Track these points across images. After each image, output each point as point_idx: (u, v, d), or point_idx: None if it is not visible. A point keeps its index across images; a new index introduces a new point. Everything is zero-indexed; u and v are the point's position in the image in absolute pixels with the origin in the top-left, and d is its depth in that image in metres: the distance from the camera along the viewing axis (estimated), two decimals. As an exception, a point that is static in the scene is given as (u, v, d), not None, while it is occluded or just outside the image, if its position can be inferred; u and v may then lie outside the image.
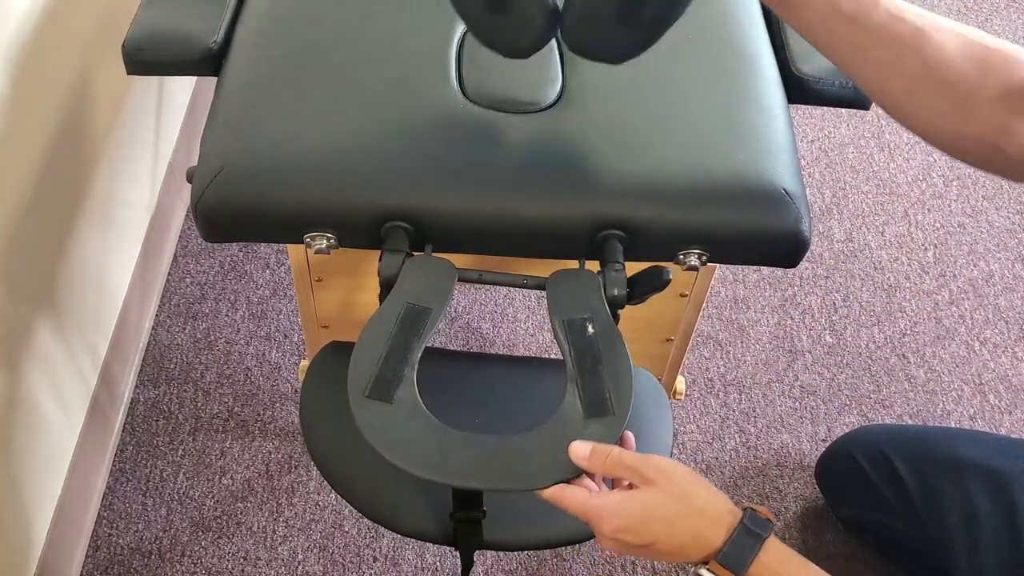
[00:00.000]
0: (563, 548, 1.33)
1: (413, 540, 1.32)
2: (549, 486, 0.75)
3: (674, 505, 0.71)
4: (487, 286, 1.26)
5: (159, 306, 1.55)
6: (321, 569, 1.30)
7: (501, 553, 1.31)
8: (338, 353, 0.98)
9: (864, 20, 0.75)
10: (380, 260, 0.88)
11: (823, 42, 0.78)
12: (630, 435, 0.81)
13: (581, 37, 0.82)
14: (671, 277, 0.88)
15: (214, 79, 1.01)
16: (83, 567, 1.29)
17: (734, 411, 1.49)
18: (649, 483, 0.72)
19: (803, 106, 1.04)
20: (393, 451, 0.76)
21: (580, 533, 0.91)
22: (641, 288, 0.89)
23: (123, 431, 1.41)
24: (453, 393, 0.96)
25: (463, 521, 0.86)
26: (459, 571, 1.31)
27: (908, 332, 1.60)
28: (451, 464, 0.77)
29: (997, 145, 0.73)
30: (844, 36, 0.76)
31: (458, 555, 1.31)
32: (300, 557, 1.31)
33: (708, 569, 0.72)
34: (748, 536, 0.71)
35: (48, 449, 1.20)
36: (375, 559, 1.31)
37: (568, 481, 0.75)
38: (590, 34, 0.81)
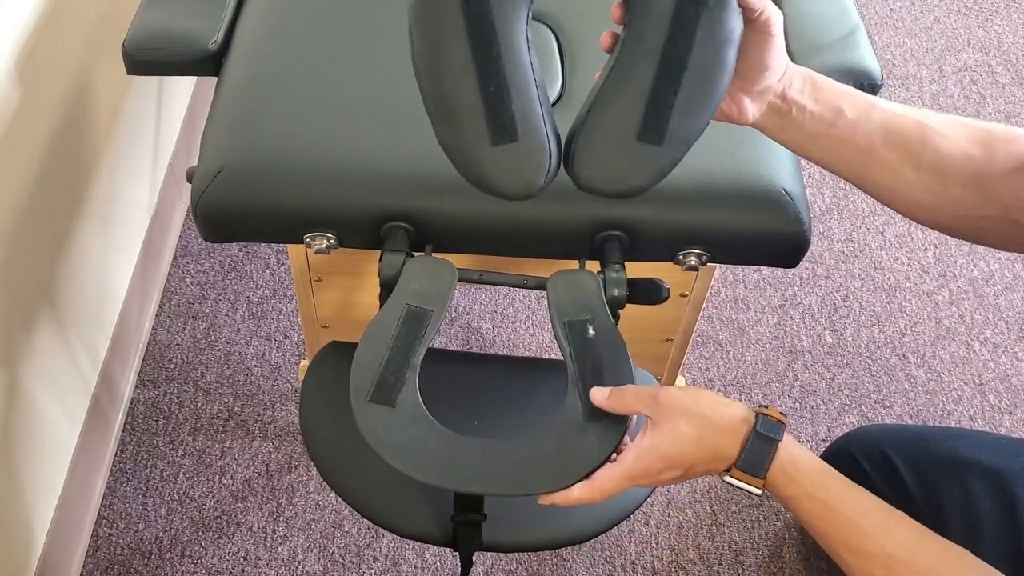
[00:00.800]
0: (563, 548, 1.33)
1: (413, 540, 1.32)
2: (553, 491, 0.76)
3: (695, 424, 0.75)
4: (487, 286, 1.26)
5: (159, 306, 1.55)
6: (321, 569, 1.30)
7: (501, 553, 1.31)
8: (338, 353, 0.98)
9: (865, 122, 0.75)
10: (380, 260, 0.88)
11: (831, 156, 0.78)
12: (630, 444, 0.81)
13: (594, 161, 0.73)
14: (668, 295, 0.88)
15: (214, 79, 1.01)
16: (83, 567, 1.29)
17: (734, 411, 1.48)
18: (667, 412, 0.75)
19: (803, 106, 1.04)
20: (396, 455, 0.76)
21: (579, 534, 0.91)
22: (638, 295, 0.89)
23: (123, 431, 1.41)
24: (452, 394, 0.96)
25: (464, 523, 0.86)
26: (459, 571, 1.31)
27: (908, 332, 1.60)
28: (454, 469, 0.77)
29: (1019, 221, 0.74)
30: (850, 142, 0.76)
31: (458, 556, 1.31)
32: (300, 557, 1.31)
33: (731, 476, 0.76)
34: (762, 442, 0.75)
35: (48, 449, 1.20)
36: (375, 559, 1.31)
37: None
38: (605, 157, 0.73)
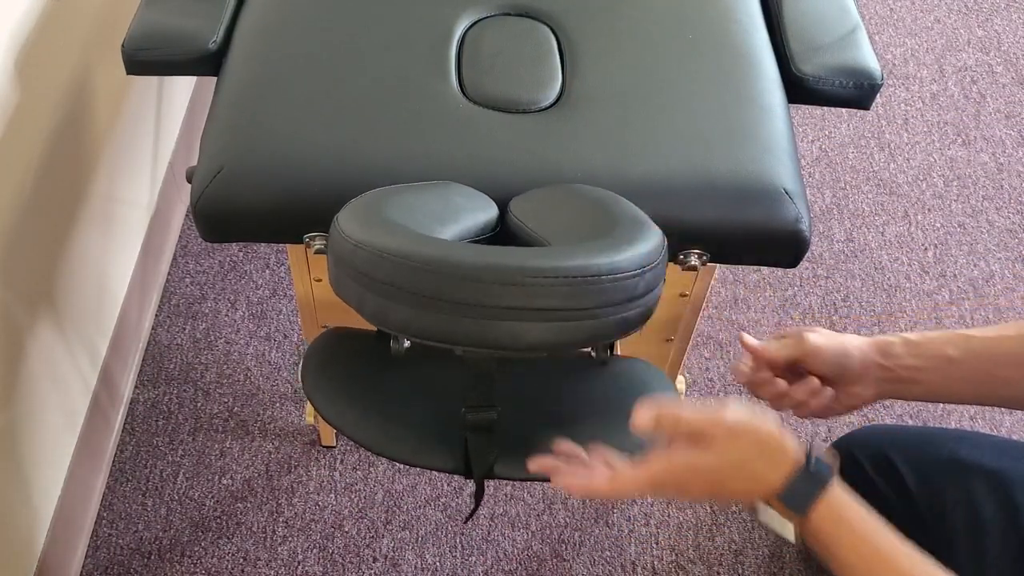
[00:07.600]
0: (563, 548, 1.33)
1: (413, 540, 1.32)
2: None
3: (742, 445, 0.70)
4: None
5: (159, 306, 1.55)
6: (321, 569, 1.30)
7: (501, 553, 1.31)
8: (338, 332, 0.98)
9: (973, 357, 0.79)
10: None
11: (954, 394, 0.82)
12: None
13: None
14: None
15: (214, 79, 1.01)
16: (83, 567, 1.28)
17: (734, 411, 1.48)
18: (718, 444, 0.70)
19: (803, 106, 1.04)
20: None
21: None
22: None
23: (123, 431, 1.41)
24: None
25: (474, 429, 0.82)
26: (458, 571, 1.31)
27: (909, 332, 1.59)
28: None
29: None
30: (969, 379, 0.80)
31: (459, 552, 1.32)
32: (300, 557, 1.31)
33: (767, 507, 0.71)
34: (809, 480, 0.70)
35: (48, 449, 1.20)
36: (375, 559, 1.31)
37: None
38: None
